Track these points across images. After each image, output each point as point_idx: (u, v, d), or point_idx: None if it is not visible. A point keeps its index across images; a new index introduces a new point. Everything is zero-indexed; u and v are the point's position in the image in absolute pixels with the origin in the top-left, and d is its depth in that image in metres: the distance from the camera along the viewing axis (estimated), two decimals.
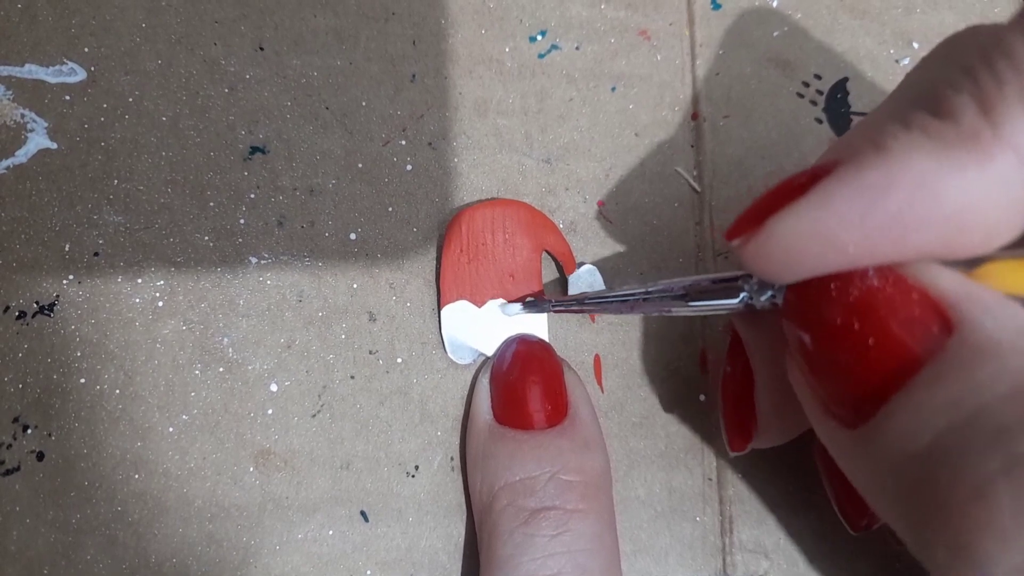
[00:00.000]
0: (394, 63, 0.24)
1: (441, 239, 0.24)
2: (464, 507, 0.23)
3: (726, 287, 0.18)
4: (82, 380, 0.22)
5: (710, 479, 0.24)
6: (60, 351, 0.22)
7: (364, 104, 0.24)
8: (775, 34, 0.26)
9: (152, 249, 0.22)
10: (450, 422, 0.23)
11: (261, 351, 0.23)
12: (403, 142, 0.24)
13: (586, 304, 0.21)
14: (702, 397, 0.24)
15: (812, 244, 0.14)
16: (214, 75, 0.23)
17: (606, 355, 0.24)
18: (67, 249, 0.22)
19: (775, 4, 0.26)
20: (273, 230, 0.23)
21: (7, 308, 0.22)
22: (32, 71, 0.23)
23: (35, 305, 0.22)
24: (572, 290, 0.24)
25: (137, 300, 0.22)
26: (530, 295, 0.23)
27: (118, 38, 0.23)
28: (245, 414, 0.22)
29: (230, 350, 0.22)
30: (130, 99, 0.23)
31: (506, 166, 0.24)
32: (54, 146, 0.22)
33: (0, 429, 0.21)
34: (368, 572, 0.22)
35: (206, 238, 0.23)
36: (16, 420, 0.21)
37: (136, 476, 0.22)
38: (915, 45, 0.26)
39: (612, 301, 0.20)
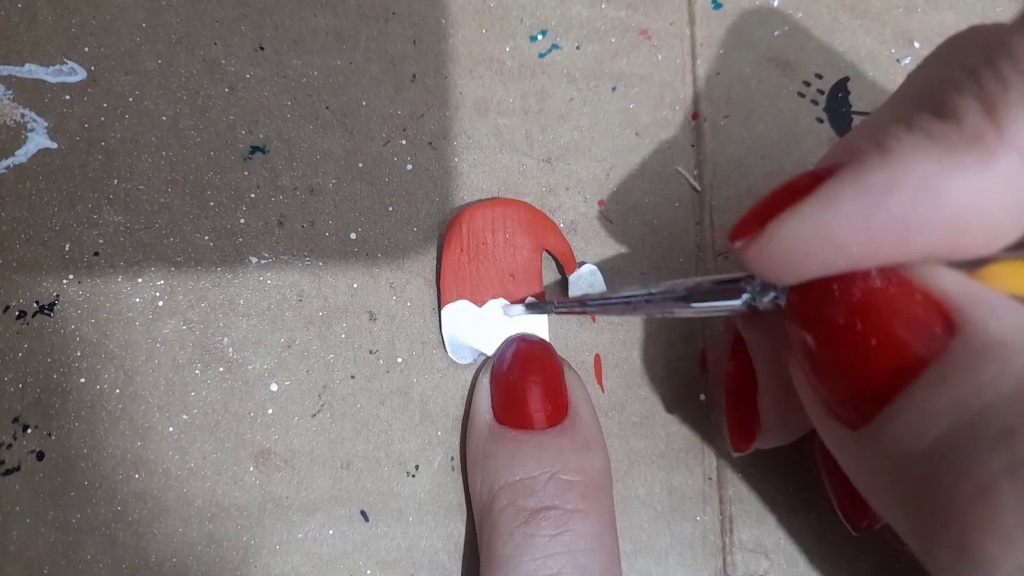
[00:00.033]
0: (394, 63, 0.24)
1: (441, 239, 0.24)
2: (464, 507, 0.23)
3: (728, 288, 0.18)
4: (82, 380, 0.22)
5: (710, 479, 0.24)
6: (60, 351, 0.22)
7: (364, 104, 0.24)
8: (776, 34, 0.26)
9: (152, 249, 0.22)
10: (450, 422, 0.23)
11: (261, 351, 0.23)
12: (403, 142, 0.24)
13: (588, 306, 0.21)
14: (702, 397, 0.24)
15: (815, 246, 0.14)
16: (214, 75, 0.23)
17: (606, 355, 0.24)
18: (67, 249, 0.22)
19: (776, 4, 0.26)
20: (273, 230, 0.23)
21: (7, 308, 0.22)
22: (32, 71, 0.23)
23: (35, 305, 0.22)
24: (573, 289, 0.24)
25: (137, 300, 0.22)
26: (531, 295, 0.23)
27: (118, 38, 0.23)
28: (245, 414, 0.22)
29: (230, 350, 0.22)
30: (130, 99, 0.23)
31: (506, 166, 0.24)
32: (54, 146, 0.22)
33: (0, 429, 0.21)
34: (368, 572, 0.22)
35: (206, 238, 0.23)
36: (16, 420, 0.21)
37: (136, 476, 0.22)
38: (916, 44, 0.26)
39: (614, 303, 0.20)
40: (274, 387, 0.22)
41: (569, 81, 0.25)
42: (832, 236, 0.14)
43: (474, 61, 0.25)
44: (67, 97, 0.23)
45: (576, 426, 0.21)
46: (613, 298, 0.20)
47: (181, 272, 0.23)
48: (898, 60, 0.26)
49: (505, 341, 0.23)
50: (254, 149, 0.23)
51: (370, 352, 0.23)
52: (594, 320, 0.24)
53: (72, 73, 0.23)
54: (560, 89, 0.25)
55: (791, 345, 0.16)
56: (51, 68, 0.23)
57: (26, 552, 0.21)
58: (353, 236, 0.23)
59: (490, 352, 0.23)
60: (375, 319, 0.23)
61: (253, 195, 0.23)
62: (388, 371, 0.23)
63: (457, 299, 0.23)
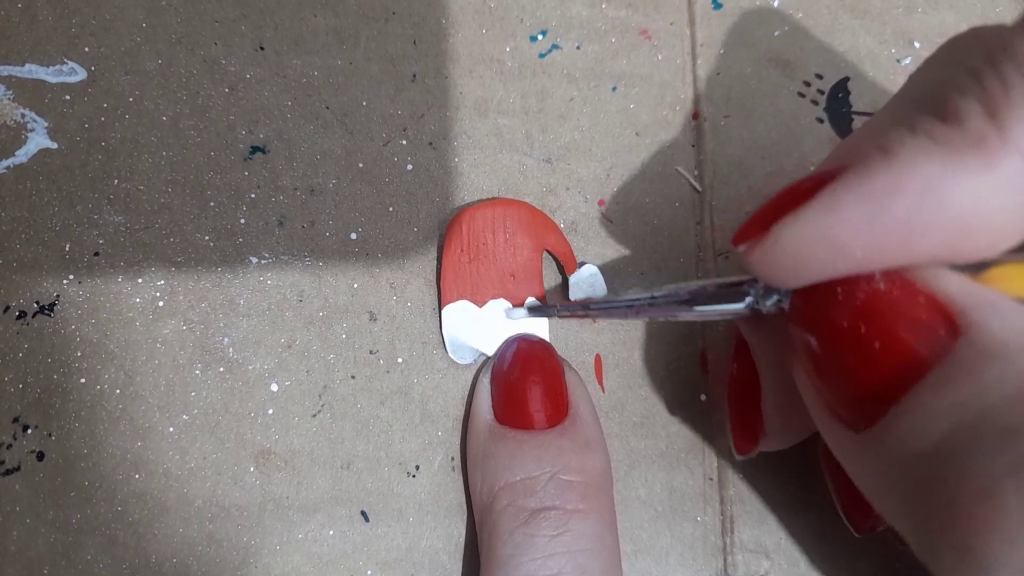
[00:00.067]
0: (394, 63, 0.24)
1: (442, 239, 0.24)
2: (465, 507, 0.23)
3: (732, 292, 0.18)
4: (82, 380, 0.22)
5: (711, 479, 0.24)
6: (60, 351, 0.22)
7: (365, 104, 0.24)
8: (776, 34, 0.26)
9: (152, 249, 0.22)
10: (451, 422, 0.23)
11: (262, 351, 0.23)
12: (404, 142, 0.24)
13: (591, 309, 0.21)
14: (703, 397, 0.24)
15: (819, 249, 0.14)
16: (214, 75, 0.23)
17: (607, 355, 0.24)
18: (67, 249, 0.22)
19: (776, 4, 0.26)
20: (274, 230, 0.23)
21: (7, 308, 0.22)
22: (32, 71, 0.23)
23: (35, 305, 0.22)
24: (573, 289, 0.24)
25: (137, 300, 0.22)
26: (531, 295, 0.23)
27: (118, 38, 0.23)
28: (245, 414, 0.22)
29: (231, 350, 0.22)
30: (130, 99, 0.23)
31: (507, 166, 0.24)
32: (54, 146, 0.22)
33: (0, 429, 0.21)
34: (368, 572, 0.22)
35: (206, 238, 0.23)
36: (16, 420, 0.21)
37: (136, 476, 0.22)
38: (916, 45, 0.26)
39: (617, 306, 0.20)
40: (274, 387, 0.22)
41: (569, 81, 0.25)
42: (836, 239, 0.14)
43: (474, 61, 0.25)
44: (67, 97, 0.23)
45: (576, 426, 0.21)
46: (616, 301, 0.20)
47: (181, 272, 0.22)
48: (898, 60, 0.26)
49: (505, 341, 0.23)
50: (254, 149, 0.23)
51: (370, 352, 0.23)
52: (595, 321, 0.24)
53: (72, 73, 0.23)
54: (560, 89, 0.25)
55: (795, 348, 0.16)
56: (51, 68, 0.23)
57: (26, 552, 0.21)
58: (353, 236, 0.23)
59: (490, 352, 0.23)
60: (375, 319, 0.23)
61: (253, 195, 0.23)
62: (388, 371, 0.23)
63: (457, 299, 0.23)
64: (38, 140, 0.22)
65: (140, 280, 0.22)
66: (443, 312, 0.23)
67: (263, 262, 0.23)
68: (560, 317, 0.22)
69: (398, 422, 0.23)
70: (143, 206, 0.23)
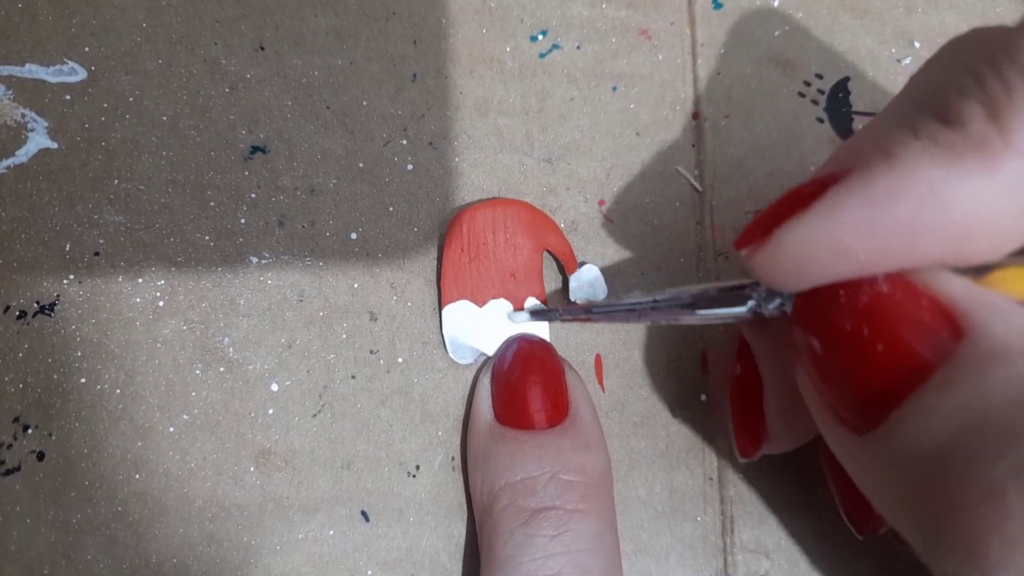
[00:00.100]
0: (395, 63, 0.24)
1: (442, 239, 0.24)
2: (465, 507, 0.23)
3: (734, 295, 0.18)
4: (83, 380, 0.22)
5: (711, 479, 0.24)
6: (60, 351, 0.22)
7: (365, 104, 0.24)
8: (776, 34, 0.26)
9: (153, 249, 0.22)
10: (451, 422, 0.23)
11: (262, 351, 0.23)
12: (404, 142, 0.24)
13: (593, 313, 0.21)
14: (703, 397, 0.24)
15: (822, 253, 0.14)
16: (214, 75, 0.23)
17: (607, 355, 0.24)
18: (67, 249, 0.22)
19: (776, 4, 0.26)
20: (274, 230, 0.23)
21: (7, 308, 0.22)
22: (32, 71, 0.23)
23: (36, 305, 0.22)
24: (573, 289, 0.24)
25: (138, 300, 0.22)
26: (531, 295, 0.23)
27: (118, 38, 0.23)
28: (246, 414, 0.22)
29: (231, 350, 0.22)
30: (130, 99, 0.23)
31: (507, 166, 0.24)
32: (54, 146, 0.22)
33: (0, 429, 0.21)
34: (369, 572, 0.22)
35: (207, 238, 0.23)
36: (16, 420, 0.21)
37: (137, 476, 0.22)
38: (916, 45, 0.26)
39: (619, 310, 0.20)
40: (275, 387, 0.22)
41: (570, 81, 0.25)
42: (839, 243, 0.14)
43: (474, 61, 0.25)
44: (67, 97, 0.23)
45: (577, 426, 0.21)
46: (618, 306, 0.20)
47: (182, 272, 0.22)
48: (898, 60, 0.26)
49: (506, 341, 0.23)
50: (254, 149, 0.23)
51: (371, 352, 0.23)
52: (595, 322, 0.24)
53: (72, 73, 0.23)
54: (560, 89, 0.25)
55: (797, 351, 0.16)
56: (51, 68, 0.23)
57: (26, 552, 0.21)
58: (354, 236, 0.23)
59: (491, 352, 0.23)
60: (376, 319, 0.23)
61: (254, 195, 0.23)
62: (389, 371, 0.23)
63: (458, 299, 0.23)
64: (38, 140, 0.22)
65: (140, 280, 0.22)
66: (443, 312, 0.23)
67: (263, 262, 0.23)
68: (562, 320, 0.22)
69: (398, 422, 0.23)
70: (143, 206, 0.23)
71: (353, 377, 0.23)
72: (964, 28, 0.16)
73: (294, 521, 0.22)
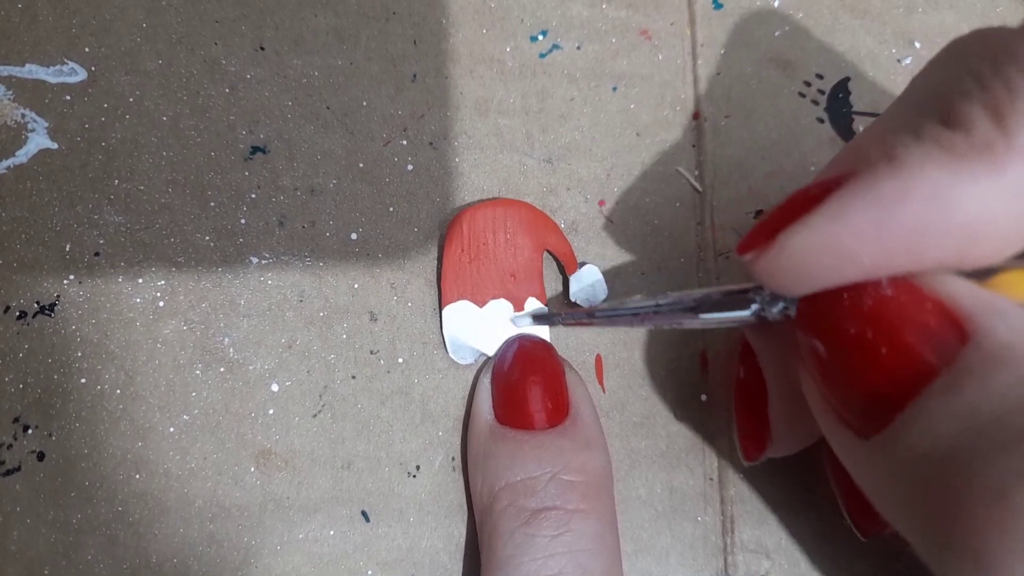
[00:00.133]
0: (395, 63, 0.24)
1: (442, 239, 0.24)
2: (465, 507, 0.23)
3: (737, 299, 0.18)
4: (83, 380, 0.22)
5: (711, 479, 0.24)
6: (61, 351, 0.22)
7: (365, 104, 0.24)
8: (776, 34, 0.26)
9: (153, 249, 0.22)
10: (451, 422, 0.23)
11: (262, 351, 0.23)
12: (404, 142, 0.24)
13: (596, 317, 0.21)
14: (703, 397, 0.24)
15: (825, 257, 0.14)
16: (215, 75, 0.23)
17: (607, 355, 0.24)
18: (68, 249, 0.22)
19: (776, 4, 0.26)
20: (274, 230, 0.23)
21: (7, 308, 0.22)
22: (33, 71, 0.23)
23: (36, 305, 0.22)
24: (573, 289, 0.24)
25: (138, 300, 0.22)
26: (532, 295, 0.23)
27: (118, 38, 0.23)
28: (246, 414, 0.22)
29: (231, 350, 0.22)
30: (131, 99, 0.23)
31: (507, 166, 0.24)
32: (54, 146, 0.22)
33: (0, 429, 0.21)
34: (369, 572, 0.22)
35: (207, 238, 0.23)
36: (17, 420, 0.21)
37: (137, 476, 0.21)
38: (917, 45, 0.26)
39: (622, 315, 0.20)
40: (275, 387, 0.22)
41: (570, 81, 0.25)
42: (843, 247, 0.14)
43: (475, 61, 0.25)
44: (67, 97, 0.23)
45: (577, 426, 0.21)
46: (620, 310, 0.20)
47: (182, 272, 0.22)
48: (899, 60, 0.26)
49: (506, 341, 0.23)
50: (255, 149, 0.23)
51: (371, 352, 0.23)
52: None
53: (72, 73, 0.23)
54: (561, 89, 0.25)
55: (801, 355, 0.16)
56: (51, 68, 0.23)
57: (26, 552, 0.21)
58: (354, 236, 0.23)
59: (491, 352, 0.23)
60: (376, 319, 0.23)
61: (254, 195, 0.23)
62: (389, 371, 0.23)
63: (458, 299, 0.23)
64: (38, 140, 0.22)
65: (140, 280, 0.22)
66: (444, 312, 0.23)
67: (263, 262, 0.23)
68: (564, 325, 0.22)
69: (399, 422, 0.23)
70: (143, 206, 0.23)
71: (353, 377, 0.23)
72: (964, 28, 0.16)
73: (294, 521, 0.22)
